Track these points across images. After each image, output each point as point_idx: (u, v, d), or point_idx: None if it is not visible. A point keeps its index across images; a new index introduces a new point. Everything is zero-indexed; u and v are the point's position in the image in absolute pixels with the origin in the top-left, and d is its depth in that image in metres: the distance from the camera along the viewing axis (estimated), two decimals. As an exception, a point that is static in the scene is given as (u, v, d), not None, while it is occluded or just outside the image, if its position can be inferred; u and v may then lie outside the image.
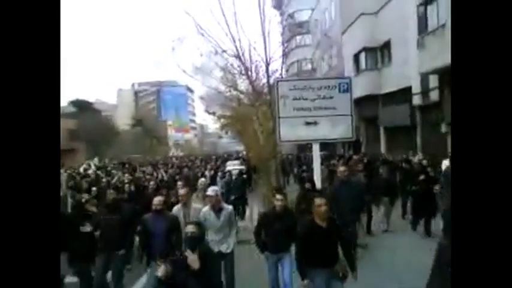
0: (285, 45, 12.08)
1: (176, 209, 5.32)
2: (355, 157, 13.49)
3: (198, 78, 12.81)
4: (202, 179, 7.17)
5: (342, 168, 5.99)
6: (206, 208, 4.89)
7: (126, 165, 20.48)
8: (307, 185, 5.92)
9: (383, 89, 17.42)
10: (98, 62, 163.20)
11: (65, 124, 38.22)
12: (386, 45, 17.19)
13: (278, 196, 4.55)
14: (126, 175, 11.61)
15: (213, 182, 12.61)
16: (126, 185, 8.87)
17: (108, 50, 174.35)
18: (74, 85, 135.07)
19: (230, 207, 5.11)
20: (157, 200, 4.93)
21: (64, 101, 63.29)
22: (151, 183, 8.62)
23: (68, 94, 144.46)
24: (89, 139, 36.64)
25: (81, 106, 46.14)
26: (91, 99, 54.24)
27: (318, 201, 3.70)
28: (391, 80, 16.67)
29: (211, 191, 4.93)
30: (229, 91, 12.86)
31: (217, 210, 4.81)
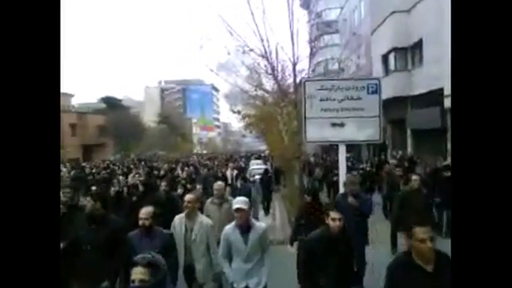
0: (313, 44, 11.94)
1: (177, 220, 4.23)
2: (392, 162, 12.92)
3: (222, 75, 12.90)
4: (220, 182, 5.97)
5: (414, 177, 5.71)
6: (231, 226, 3.67)
7: (142, 163, 19.78)
8: (308, 198, 5.20)
9: (412, 91, 16.89)
10: (126, 59, 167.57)
11: (95, 120, 39.63)
12: (418, 45, 16.64)
13: (334, 214, 3.36)
14: (137, 175, 10.17)
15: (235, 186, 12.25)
16: (140, 186, 7.68)
17: (136, 47, 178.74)
18: (103, 82, 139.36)
19: (262, 225, 3.86)
20: (145, 212, 3.64)
21: (94, 98, 65.55)
22: (163, 183, 7.16)
23: (97, 91, 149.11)
24: (117, 135, 37.68)
25: (110, 103, 47.56)
26: (119, 96, 55.92)
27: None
28: (421, 81, 16.12)
29: (240, 203, 3.58)
30: (255, 90, 12.86)
31: (245, 229, 3.58)
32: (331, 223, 3.34)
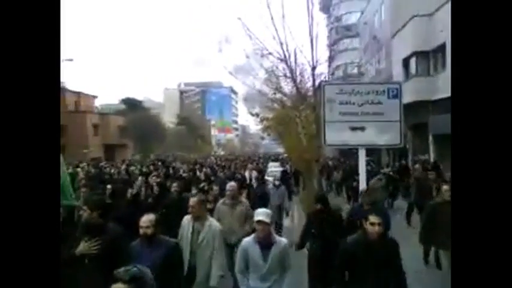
0: (332, 48, 11.92)
1: (186, 221, 4.05)
2: (416, 166, 12.61)
3: (240, 77, 13.02)
4: (232, 183, 5.67)
5: (445, 187, 5.21)
6: (250, 239, 3.36)
7: (159, 163, 19.26)
8: (318, 206, 4.99)
9: (434, 95, 16.59)
10: (147, 61, 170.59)
11: (116, 121, 40.53)
12: (440, 49, 16.35)
13: (373, 218, 3.13)
14: (154, 177, 9.21)
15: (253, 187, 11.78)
16: (155, 188, 7.23)
17: (157, 50, 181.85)
18: (124, 84, 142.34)
19: (284, 240, 3.46)
20: (146, 220, 3.28)
21: (115, 99, 66.98)
22: (174, 185, 6.63)
23: (119, 93, 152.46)
24: (137, 135, 38.45)
25: (131, 104, 48.59)
26: (140, 98, 57.02)
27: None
28: (443, 85, 15.82)
29: (262, 215, 3.26)
30: (274, 93, 12.93)
31: (266, 245, 3.27)
32: (369, 228, 3.12)
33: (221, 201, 5.56)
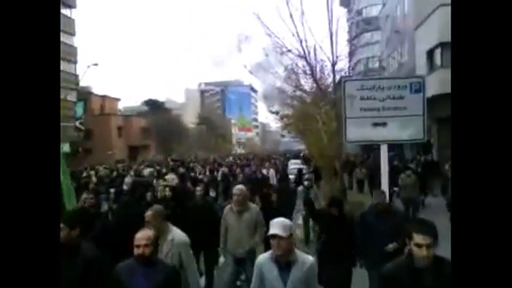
0: (352, 43, 11.72)
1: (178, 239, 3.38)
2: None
3: (259, 75, 13.03)
4: (240, 186, 5.00)
5: None
6: (266, 256, 2.78)
7: (171, 163, 18.49)
8: (333, 210, 4.45)
9: (460, 88, 16.08)
10: (168, 62, 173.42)
11: (138, 122, 41.46)
12: (466, 39, 15.81)
13: (419, 239, 2.28)
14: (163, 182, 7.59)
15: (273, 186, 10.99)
16: (167, 191, 6.25)
17: (176, 51, 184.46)
18: (146, 85, 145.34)
19: (309, 259, 2.77)
20: (143, 237, 2.68)
21: (138, 101, 68.42)
22: (198, 188, 5.97)
23: (141, 94, 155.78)
24: (159, 136, 39.19)
25: (153, 105, 49.56)
26: (162, 99, 58.05)
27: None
28: (470, 77, 15.31)
29: (278, 227, 2.63)
30: (294, 91, 12.86)
31: (285, 264, 2.68)
32: (415, 250, 2.37)
33: (228, 207, 4.89)
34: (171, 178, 7.76)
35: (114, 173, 13.86)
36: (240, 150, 61.18)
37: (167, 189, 6.33)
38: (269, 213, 4.24)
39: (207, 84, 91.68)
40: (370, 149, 21.58)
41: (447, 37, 18.58)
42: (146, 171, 10.84)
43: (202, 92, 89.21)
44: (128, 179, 9.63)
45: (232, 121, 76.15)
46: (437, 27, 17.23)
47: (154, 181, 7.99)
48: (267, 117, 76.55)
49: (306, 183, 8.13)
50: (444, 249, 2.37)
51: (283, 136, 28.06)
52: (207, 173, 14.33)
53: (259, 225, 4.69)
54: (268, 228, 2.78)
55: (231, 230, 4.69)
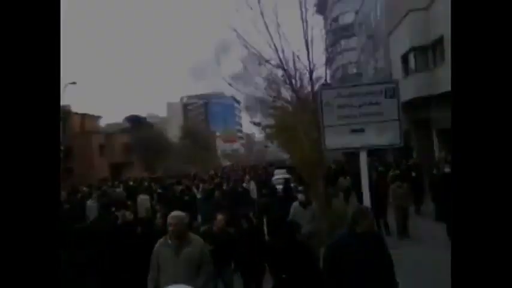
0: (329, 50, 11.88)
1: None
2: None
3: (239, 87, 13.01)
4: (175, 213, 3.76)
5: None
6: None
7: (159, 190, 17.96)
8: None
9: (436, 90, 16.45)
10: (148, 77, 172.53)
11: (121, 139, 40.84)
12: (438, 42, 16.25)
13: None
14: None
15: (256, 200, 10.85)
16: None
17: (158, 66, 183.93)
18: (127, 102, 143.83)
19: None
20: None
21: (120, 118, 67.46)
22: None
23: (123, 111, 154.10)
24: (143, 152, 38.62)
25: (135, 121, 48.96)
26: (143, 114, 57.44)
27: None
28: (444, 79, 15.69)
29: None
30: (274, 101, 12.90)
31: None
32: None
33: (161, 240, 3.74)
34: (145, 199, 7.48)
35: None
36: (224, 162, 60.77)
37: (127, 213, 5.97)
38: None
39: (189, 97, 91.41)
40: (352, 155, 21.72)
41: (419, 41, 18.88)
42: (116, 192, 10.47)
43: (185, 106, 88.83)
44: (90, 203, 9.13)
45: (217, 133, 75.91)
46: (409, 32, 17.71)
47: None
48: (251, 128, 76.78)
49: (299, 196, 7.55)
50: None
51: (266, 146, 28.04)
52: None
53: (204, 264, 3.62)
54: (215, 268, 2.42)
55: (165, 271, 3.55)
